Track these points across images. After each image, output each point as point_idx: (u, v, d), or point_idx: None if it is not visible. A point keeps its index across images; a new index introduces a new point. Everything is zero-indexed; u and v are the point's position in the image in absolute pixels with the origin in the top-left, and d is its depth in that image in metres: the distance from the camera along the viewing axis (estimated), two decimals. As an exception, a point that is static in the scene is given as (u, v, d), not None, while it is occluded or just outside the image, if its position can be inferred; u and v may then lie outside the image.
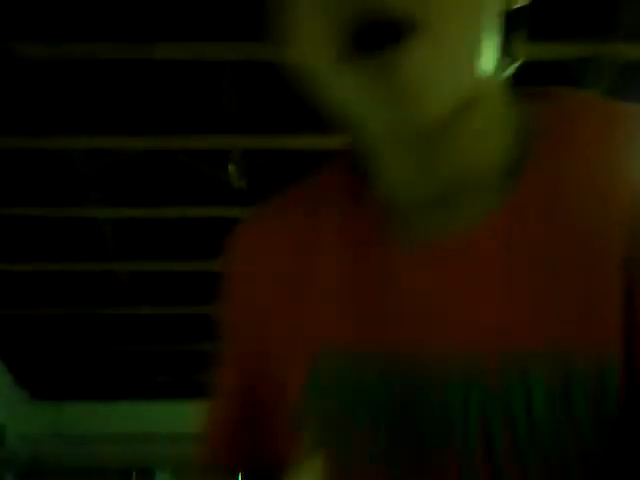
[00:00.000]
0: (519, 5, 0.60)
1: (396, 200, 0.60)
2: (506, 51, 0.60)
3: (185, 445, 4.54)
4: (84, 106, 2.81)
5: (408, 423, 0.57)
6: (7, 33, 2.44)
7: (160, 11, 2.46)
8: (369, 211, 0.62)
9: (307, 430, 0.60)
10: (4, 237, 3.53)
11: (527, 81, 0.65)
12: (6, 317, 4.17)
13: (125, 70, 2.67)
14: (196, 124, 2.87)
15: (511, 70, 0.62)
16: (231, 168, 3.09)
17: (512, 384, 0.54)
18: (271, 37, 0.63)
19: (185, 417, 4.94)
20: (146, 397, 4.85)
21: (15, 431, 4.29)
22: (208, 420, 0.80)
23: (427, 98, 0.53)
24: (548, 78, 2.47)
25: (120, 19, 2.48)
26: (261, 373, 0.67)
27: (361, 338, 0.59)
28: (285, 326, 0.64)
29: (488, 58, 0.56)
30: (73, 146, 2.95)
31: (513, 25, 0.60)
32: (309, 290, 0.63)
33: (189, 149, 3.02)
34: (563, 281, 0.55)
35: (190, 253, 3.69)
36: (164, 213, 3.37)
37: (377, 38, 0.51)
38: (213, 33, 2.50)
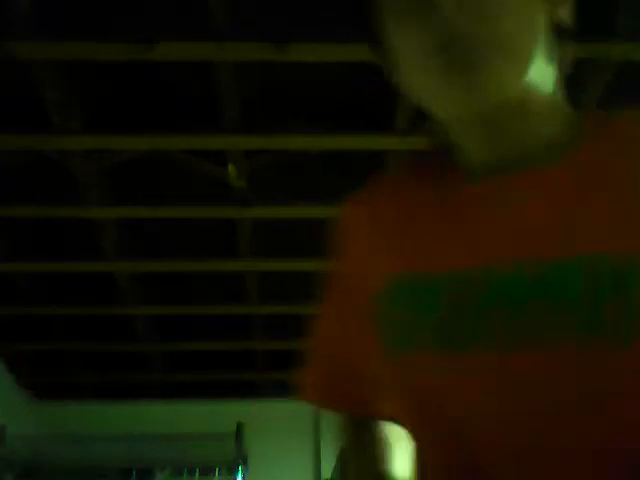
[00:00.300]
0: (563, 18, 0.82)
1: (473, 165, 0.80)
2: (555, 56, 0.81)
3: (185, 445, 4.53)
4: (84, 106, 2.81)
5: (534, 310, 0.69)
6: (7, 33, 2.45)
7: (160, 11, 2.46)
8: (454, 176, 0.82)
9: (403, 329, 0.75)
10: (4, 237, 3.53)
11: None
12: (6, 317, 4.17)
13: (125, 70, 2.67)
14: (196, 124, 2.87)
15: (562, 70, 0.82)
16: (231, 168, 3.09)
17: (626, 275, 0.67)
18: (370, 46, 0.84)
19: (185, 417, 4.97)
20: (146, 397, 4.85)
21: (15, 431, 4.29)
22: (308, 357, 1.02)
23: (496, 90, 0.74)
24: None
25: (120, 19, 2.48)
26: (357, 314, 0.85)
27: (471, 256, 0.75)
28: (384, 262, 0.81)
29: (540, 62, 0.78)
30: (73, 146, 2.95)
31: (560, 33, 0.81)
32: (408, 234, 0.81)
33: (189, 149, 3.02)
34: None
35: (190, 253, 3.69)
36: (164, 213, 3.37)
37: (461, 50, 0.73)
38: (213, 33, 2.50)
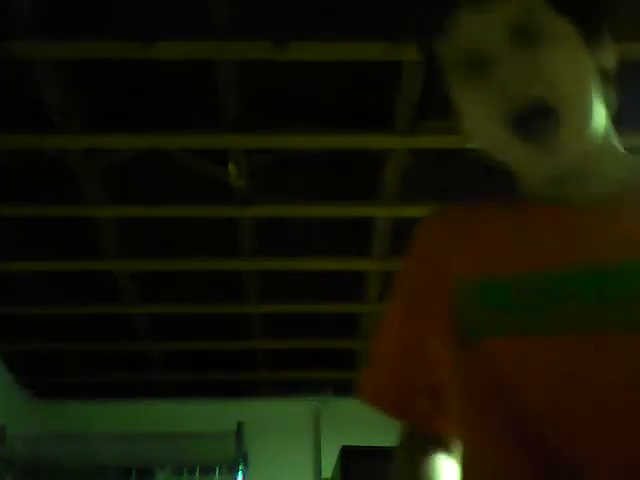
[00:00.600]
0: (608, 64, 0.95)
1: (537, 194, 0.96)
2: (605, 99, 0.96)
3: (185, 445, 4.53)
4: (84, 106, 2.81)
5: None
6: (7, 33, 2.45)
7: (160, 10, 2.46)
8: (518, 200, 0.97)
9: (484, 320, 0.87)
10: (4, 237, 3.53)
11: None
12: (6, 317, 4.17)
13: (125, 69, 2.67)
14: (196, 124, 2.87)
15: (610, 111, 0.96)
16: (231, 167, 3.09)
17: None
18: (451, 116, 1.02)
19: (185, 417, 4.96)
20: (146, 397, 4.85)
21: (15, 431, 4.28)
22: (374, 356, 1.08)
23: (562, 152, 0.90)
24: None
25: (120, 18, 2.48)
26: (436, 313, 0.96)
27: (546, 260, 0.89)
28: (466, 264, 0.94)
29: (599, 114, 0.93)
30: (73, 146, 2.95)
31: (606, 78, 0.96)
32: (486, 244, 0.95)
33: (189, 149, 3.02)
34: None
35: (190, 253, 3.69)
36: (164, 213, 3.37)
37: (531, 119, 0.88)
38: (213, 32, 2.50)
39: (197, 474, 4.50)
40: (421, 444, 1.03)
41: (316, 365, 4.71)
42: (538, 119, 0.88)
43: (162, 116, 2.84)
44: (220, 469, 4.48)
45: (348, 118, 2.88)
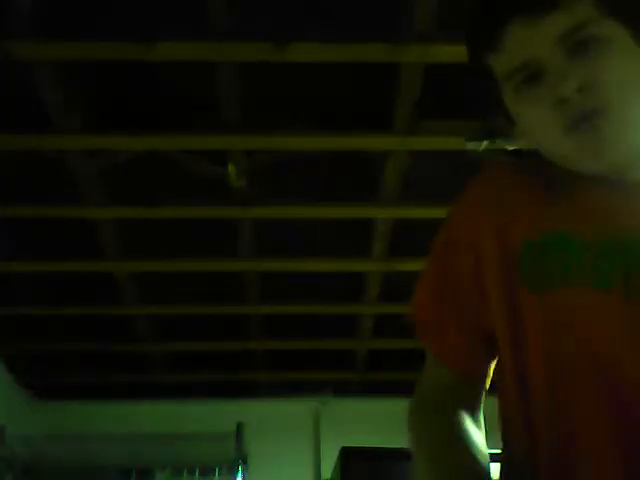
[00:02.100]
0: None
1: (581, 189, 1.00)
2: None
3: (185, 445, 4.52)
4: (84, 106, 2.81)
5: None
6: (7, 33, 2.45)
7: (160, 11, 2.46)
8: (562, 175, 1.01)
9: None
10: (4, 237, 3.53)
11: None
12: (6, 317, 4.17)
13: (125, 70, 2.67)
14: (196, 124, 2.87)
15: None
16: (231, 168, 3.09)
17: None
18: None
19: (185, 417, 4.96)
20: (146, 397, 4.85)
21: (15, 431, 4.28)
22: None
23: (612, 152, 0.96)
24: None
25: (120, 19, 2.48)
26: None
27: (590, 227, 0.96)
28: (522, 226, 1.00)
29: None
30: (73, 146, 2.95)
31: None
32: (542, 207, 1.00)
33: (189, 149, 3.02)
34: None
35: (190, 253, 3.69)
36: (164, 213, 3.37)
37: (588, 119, 0.93)
38: (213, 33, 2.50)
39: (197, 475, 4.50)
40: (455, 390, 1.05)
41: (316, 366, 4.71)
42: (589, 120, 0.94)
43: (162, 117, 2.84)
44: (220, 470, 4.47)
45: (348, 119, 2.88)
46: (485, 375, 1.05)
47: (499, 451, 1.01)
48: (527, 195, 1.03)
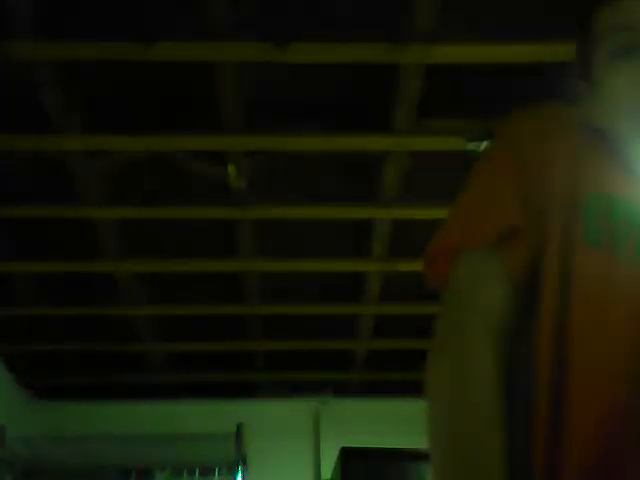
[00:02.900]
0: None
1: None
2: None
3: (185, 445, 4.52)
4: (84, 106, 2.81)
5: None
6: (7, 33, 2.45)
7: (160, 11, 2.46)
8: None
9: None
10: (4, 237, 3.53)
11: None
12: (6, 317, 4.17)
13: (125, 70, 2.67)
14: (196, 124, 2.87)
15: None
16: (231, 168, 3.09)
17: None
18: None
19: (185, 417, 4.95)
20: (146, 397, 4.85)
21: (15, 431, 4.28)
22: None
23: None
24: (547, 77, 2.47)
25: (120, 19, 2.48)
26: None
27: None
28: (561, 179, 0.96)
29: None
30: (73, 146, 2.95)
31: None
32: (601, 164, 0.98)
33: (189, 149, 3.02)
34: None
35: (190, 253, 3.69)
36: (164, 213, 3.37)
37: None
38: (213, 33, 2.50)
39: (197, 475, 4.50)
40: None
41: (316, 366, 4.71)
42: None
43: (162, 117, 2.84)
44: (220, 470, 4.47)
45: (348, 119, 2.88)
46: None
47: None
48: (585, 146, 1.00)
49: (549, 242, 0.93)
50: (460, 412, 0.86)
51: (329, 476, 4.29)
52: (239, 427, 4.46)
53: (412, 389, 4.61)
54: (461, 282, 0.96)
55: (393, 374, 4.78)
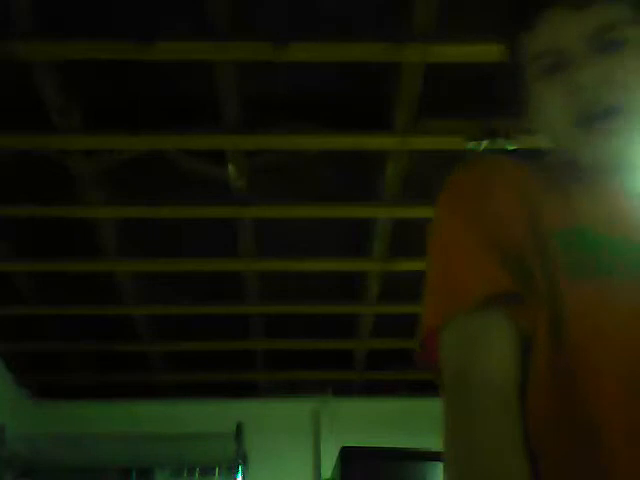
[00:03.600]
0: None
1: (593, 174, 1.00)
2: None
3: (185, 445, 4.53)
4: (84, 106, 2.81)
5: None
6: (7, 33, 2.45)
7: (160, 11, 2.46)
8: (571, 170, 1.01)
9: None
10: (4, 237, 3.53)
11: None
12: (6, 317, 4.17)
13: (125, 70, 2.67)
14: (196, 124, 2.87)
15: None
16: (231, 168, 3.09)
17: None
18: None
19: (185, 417, 4.96)
20: (146, 397, 4.85)
21: (15, 431, 4.28)
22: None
23: (618, 151, 0.98)
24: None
25: (120, 19, 2.48)
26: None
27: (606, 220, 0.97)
28: (549, 213, 0.96)
29: None
30: (73, 146, 2.95)
31: None
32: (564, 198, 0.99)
33: (189, 149, 3.02)
34: None
35: (190, 253, 3.69)
36: (164, 213, 3.37)
37: (604, 116, 0.96)
38: (213, 33, 2.50)
39: (197, 475, 4.50)
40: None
41: (316, 365, 4.71)
42: (607, 118, 0.96)
43: (162, 116, 2.84)
44: (220, 469, 4.48)
45: (348, 118, 2.88)
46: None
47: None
48: (541, 183, 1.01)
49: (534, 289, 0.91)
50: None
51: (329, 476, 4.28)
52: (239, 427, 4.46)
53: (412, 389, 4.63)
54: (455, 351, 0.89)
55: (393, 374, 4.78)
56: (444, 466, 0.82)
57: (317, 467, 4.72)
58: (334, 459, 4.02)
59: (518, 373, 0.86)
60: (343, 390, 4.90)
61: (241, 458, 4.45)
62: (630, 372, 0.88)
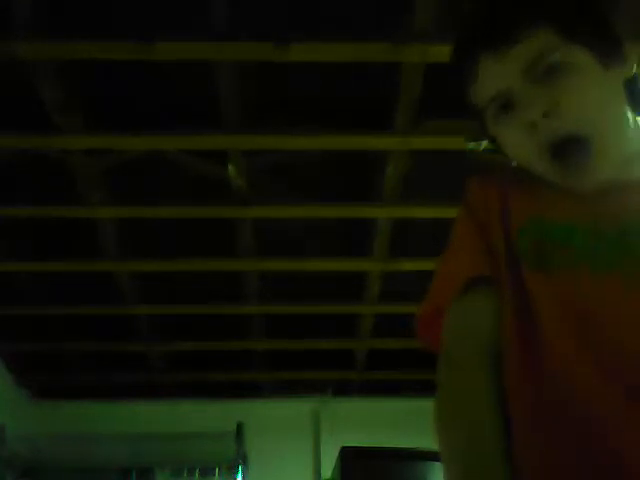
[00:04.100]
0: (633, 72, 1.03)
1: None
2: (635, 104, 1.04)
3: (185, 445, 4.53)
4: (84, 106, 2.81)
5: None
6: (7, 33, 2.45)
7: (160, 11, 2.46)
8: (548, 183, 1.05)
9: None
10: (4, 237, 3.53)
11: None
12: (6, 317, 4.17)
13: (125, 70, 2.67)
14: (196, 124, 2.87)
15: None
16: (231, 168, 3.09)
17: None
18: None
19: (185, 417, 4.96)
20: (146, 397, 4.85)
21: (15, 431, 4.28)
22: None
23: (594, 175, 1.00)
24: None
25: (120, 19, 2.48)
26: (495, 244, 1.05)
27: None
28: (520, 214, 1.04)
29: (629, 125, 1.04)
30: (73, 146, 2.95)
31: (631, 83, 1.04)
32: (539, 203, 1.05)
33: (189, 149, 3.02)
34: None
35: (190, 253, 3.69)
36: (164, 213, 3.37)
37: (566, 147, 0.98)
38: (213, 33, 2.50)
39: (197, 475, 4.50)
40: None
41: (316, 366, 4.71)
42: (571, 147, 0.99)
43: (162, 116, 2.84)
44: (220, 469, 4.48)
45: (348, 118, 2.88)
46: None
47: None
48: (522, 188, 1.08)
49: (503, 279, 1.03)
50: (464, 432, 0.97)
51: (329, 476, 4.29)
52: (239, 426, 4.46)
53: (412, 389, 4.63)
54: (454, 320, 1.06)
55: (393, 374, 4.78)
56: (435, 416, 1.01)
57: (317, 467, 4.72)
58: (334, 459, 4.02)
59: (497, 336, 1.02)
60: (343, 390, 4.90)
61: (241, 458, 4.45)
62: (578, 331, 0.95)
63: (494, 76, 1.02)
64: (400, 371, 4.69)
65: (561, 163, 1.00)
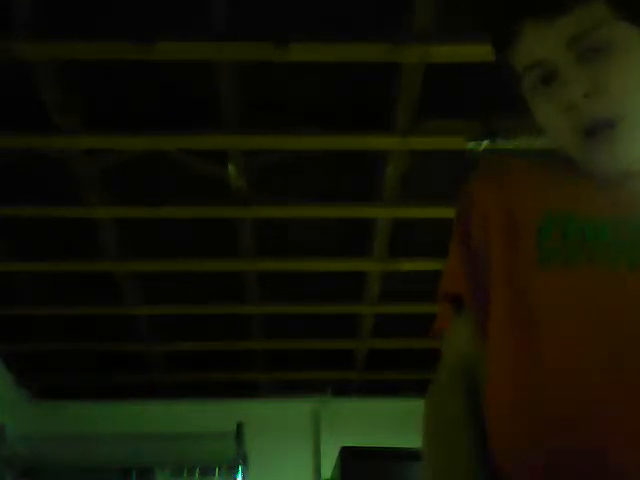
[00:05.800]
0: None
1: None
2: None
3: (185, 445, 4.53)
4: (84, 106, 2.81)
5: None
6: (7, 33, 2.45)
7: (160, 11, 2.46)
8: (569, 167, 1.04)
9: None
10: (4, 237, 3.53)
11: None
12: (6, 317, 4.17)
13: (125, 70, 2.67)
14: (196, 124, 2.87)
15: None
16: (231, 168, 3.09)
17: None
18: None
19: (185, 417, 4.96)
20: (146, 397, 4.85)
21: (15, 431, 4.29)
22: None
23: (623, 158, 1.00)
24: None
25: (120, 19, 2.48)
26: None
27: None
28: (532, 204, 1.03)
29: None
30: (73, 146, 2.95)
31: None
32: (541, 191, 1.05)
33: (189, 149, 3.02)
34: None
35: (190, 253, 3.69)
36: (164, 213, 3.37)
37: (601, 128, 0.97)
38: (213, 33, 2.50)
39: (197, 475, 4.50)
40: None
41: (316, 366, 4.71)
42: (606, 129, 0.97)
43: (162, 116, 2.85)
44: (220, 469, 4.48)
45: (348, 119, 2.88)
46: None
47: None
48: (533, 178, 1.08)
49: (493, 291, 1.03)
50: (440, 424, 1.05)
51: (329, 476, 4.29)
52: (239, 426, 4.46)
53: (412, 389, 4.63)
54: (444, 339, 1.12)
55: (393, 374, 4.78)
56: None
57: (317, 467, 4.72)
58: (334, 459, 4.02)
59: (476, 354, 1.05)
60: (343, 390, 4.90)
61: (241, 458, 4.45)
62: (595, 332, 0.94)
63: (537, 44, 0.99)
64: (400, 371, 4.69)
65: (593, 143, 0.98)
